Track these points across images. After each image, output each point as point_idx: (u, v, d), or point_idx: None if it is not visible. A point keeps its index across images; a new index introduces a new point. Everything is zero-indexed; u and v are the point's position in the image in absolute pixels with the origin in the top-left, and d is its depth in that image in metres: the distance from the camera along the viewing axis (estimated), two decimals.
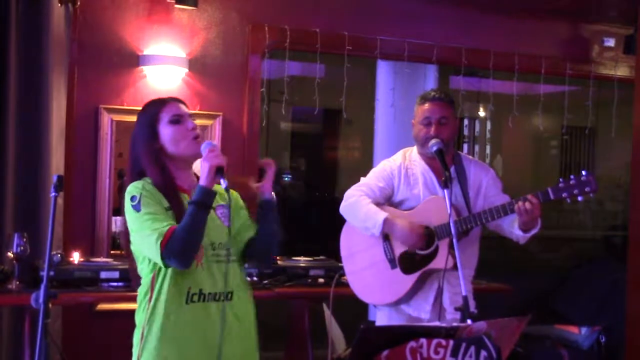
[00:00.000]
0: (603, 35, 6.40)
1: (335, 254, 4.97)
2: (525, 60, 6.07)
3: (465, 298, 3.04)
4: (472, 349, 2.78)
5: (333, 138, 10.64)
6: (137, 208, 2.72)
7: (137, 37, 5.08)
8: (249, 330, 2.91)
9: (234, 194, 2.95)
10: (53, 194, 2.83)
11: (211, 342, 2.75)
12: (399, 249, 3.70)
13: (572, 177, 3.41)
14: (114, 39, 5.04)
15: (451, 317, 3.54)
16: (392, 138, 6.56)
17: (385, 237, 3.71)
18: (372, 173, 3.84)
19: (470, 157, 3.89)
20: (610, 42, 6.37)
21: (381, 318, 3.85)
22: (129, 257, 2.90)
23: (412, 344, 2.69)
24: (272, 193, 2.93)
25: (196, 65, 5.21)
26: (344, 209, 3.78)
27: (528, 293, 5.91)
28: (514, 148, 10.81)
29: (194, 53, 5.22)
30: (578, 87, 6.63)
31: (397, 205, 3.76)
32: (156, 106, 2.86)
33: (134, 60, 5.07)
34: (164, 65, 5.07)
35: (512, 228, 3.62)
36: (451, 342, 2.75)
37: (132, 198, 2.73)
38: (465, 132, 10.96)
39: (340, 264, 4.54)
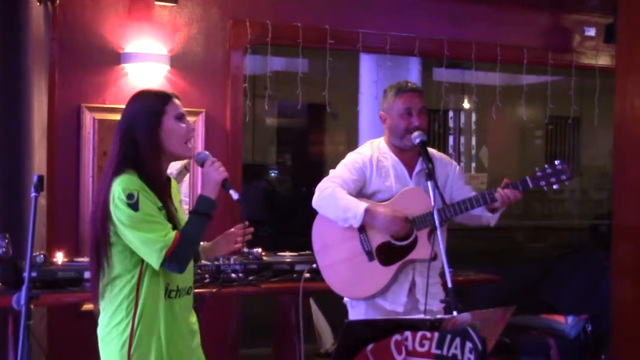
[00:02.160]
0: (584, 24, 6.41)
1: None
2: (507, 51, 6.08)
3: (451, 290, 3.06)
4: (457, 340, 2.77)
5: (319, 132, 10.64)
6: (134, 207, 2.73)
7: (118, 34, 5.05)
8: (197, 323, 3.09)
9: (176, 187, 3.06)
10: (33, 194, 2.83)
11: (188, 332, 2.97)
12: (376, 241, 3.67)
13: (546, 166, 3.50)
14: (95, 37, 5.01)
15: (424, 308, 3.57)
16: (376, 131, 6.53)
17: (362, 229, 3.67)
18: (343, 165, 3.79)
19: (434, 150, 3.88)
20: (591, 32, 6.39)
21: (357, 315, 3.78)
22: (96, 253, 2.83)
23: (397, 337, 2.69)
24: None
25: (178, 62, 5.19)
26: (318, 201, 3.71)
27: (515, 283, 5.93)
28: (499, 139, 10.85)
29: (176, 50, 5.20)
30: (561, 77, 6.65)
31: (370, 197, 3.73)
32: (162, 98, 2.90)
33: (115, 58, 5.05)
34: (146, 63, 5.05)
35: (483, 213, 3.65)
36: (436, 335, 2.74)
37: (130, 196, 2.72)
38: (451, 124, 10.99)
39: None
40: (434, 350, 2.74)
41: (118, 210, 2.73)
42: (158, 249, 2.73)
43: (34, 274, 3.95)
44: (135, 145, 2.81)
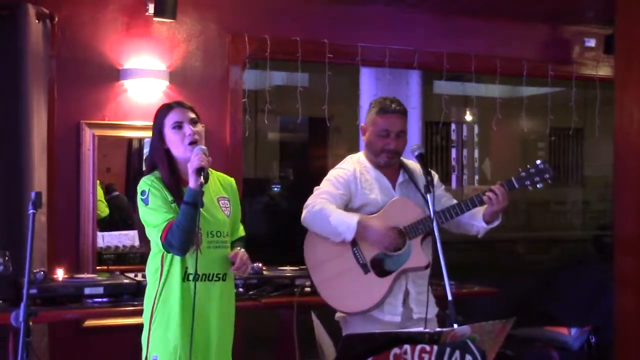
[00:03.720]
0: (583, 36, 6.41)
1: None
2: (507, 63, 6.09)
3: (451, 302, 3.05)
4: (457, 353, 2.77)
5: (321, 146, 10.62)
6: (145, 202, 3.20)
7: (117, 51, 5.07)
8: (233, 308, 3.41)
9: (234, 186, 3.48)
10: (31, 210, 2.86)
11: (203, 314, 3.21)
12: (369, 253, 3.68)
13: (529, 166, 3.62)
14: (94, 53, 5.02)
15: (417, 317, 3.65)
16: None
17: (354, 243, 3.68)
18: (327, 182, 3.81)
19: (411, 161, 3.90)
20: (591, 43, 6.39)
21: (353, 330, 3.73)
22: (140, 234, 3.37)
23: (396, 350, 2.68)
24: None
25: (177, 77, 5.20)
26: (308, 218, 3.73)
27: (517, 295, 5.91)
28: (502, 151, 10.83)
29: (175, 65, 5.21)
30: (563, 88, 6.65)
31: (357, 211, 3.74)
32: (163, 112, 3.31)
33: (115, 74, 5.06)
34: (145, 79, 5.06)
35: (474, 221, 3.72)
36: (435, 348, 2.73)
37: (142, 192, 3.22)
38: (453, 136, 10.97)
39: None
40: None
41: (138, 205, 3.24)
42: (156, 233, 3.17)
43: (33, 291, 3.95)
44: (153, 155, 3.31)
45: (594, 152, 10.33)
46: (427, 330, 2.79)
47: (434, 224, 3.19)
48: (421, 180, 3.72)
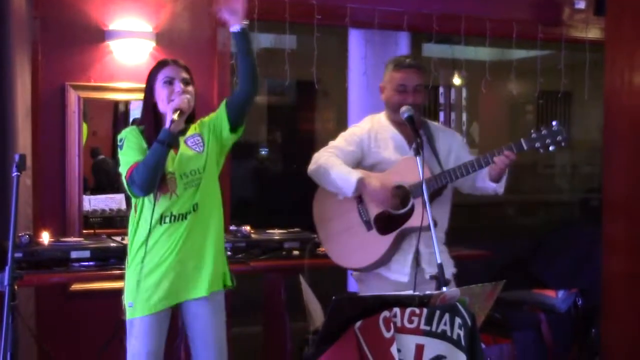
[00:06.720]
0: None
1: (311, 226, 4.94)
2: (497, 25, 6.02)
3: (440, 265, 3.06)
4: (447, 316, 2.77)
5: (309, 110, 10.57)
6: (120, 147, 3.33)
7: (102, 11, 4.99)
8: (210, 237, 3.42)
9: (204, 119, 3.50)
10: (15, 173, 2.84)
11: (174, 252, 3.32)
12: (374, 210, 3.70)
13: (542, 128, 3.51)
14: (78, 14, 4.95)
15: (429, 276, 3.57)
16: (365, 107, 6.48)
17: (359, 200, 3.71)
18: (341, 137, 3.87)
19: (436, 123, 3.95)
20: (581, 4, 6.33)
21: (362, 287, 3.85)
22: None
23: (386, 313, 2.68)
24: (238, 25, 3.43)
25: (163, 39, 5.13)
26: (313, 171, 3.79)
27: (505, 258, 5.92)
28: (490, 114, 10.81)
29: (161, 27, 5.14)
30: (552, 51, 6.60)
31: (369, 169, 3.77)
32: (158, 67, 3.42)
33: (100, 35, 4.99)
34: (131, 40, 4.99)
35: (486, 184, 3.68)
36: (425, 311, 2.73)
37: (120, 140, 3.35)
38: (441, 100, 10.92)
39: (314, 236, 4.56)
40: (422, 327, 2.73)
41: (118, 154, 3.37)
42: (123, 172, 3.28)
43: (19, 255, 3.93)
44: (143, 108, 3.43)
45: (582, 116, 10.31)
46: (416, 293, 2.78)
47: (424, 187, 3.19)
48: (443, 141, 3.80)
